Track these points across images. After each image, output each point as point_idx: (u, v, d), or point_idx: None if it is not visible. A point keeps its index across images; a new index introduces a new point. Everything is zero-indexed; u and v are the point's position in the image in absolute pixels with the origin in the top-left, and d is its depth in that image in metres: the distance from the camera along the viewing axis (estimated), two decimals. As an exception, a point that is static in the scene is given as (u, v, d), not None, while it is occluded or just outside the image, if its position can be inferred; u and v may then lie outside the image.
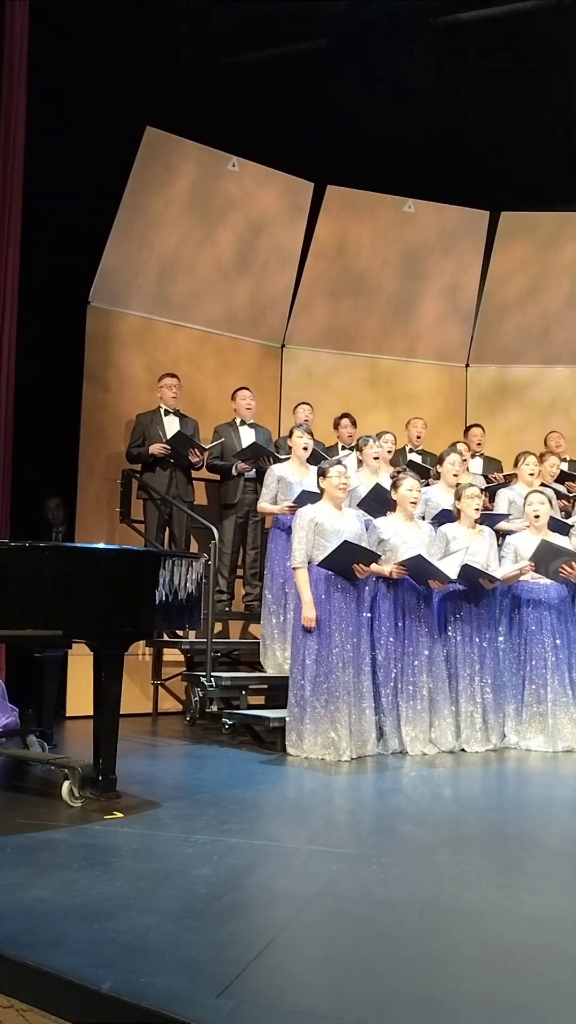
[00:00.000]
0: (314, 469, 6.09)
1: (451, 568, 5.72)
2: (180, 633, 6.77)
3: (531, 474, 7.13)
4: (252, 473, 7.29)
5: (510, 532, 6.65)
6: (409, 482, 5.94)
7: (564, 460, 7.99)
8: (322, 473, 5.69)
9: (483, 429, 8.46)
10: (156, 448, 7.12)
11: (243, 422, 7.54)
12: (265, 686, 6.65)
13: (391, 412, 8.77)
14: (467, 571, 5.85)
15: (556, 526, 6.48)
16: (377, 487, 6.33)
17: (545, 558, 6.10)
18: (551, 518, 6.45)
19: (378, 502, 6.23)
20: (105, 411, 7.57)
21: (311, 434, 6.74)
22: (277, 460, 6.95)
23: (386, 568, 5.68)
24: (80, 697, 6.39)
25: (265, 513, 6.91)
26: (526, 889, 2.99)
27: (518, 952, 2.45)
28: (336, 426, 7.96)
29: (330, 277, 8.78)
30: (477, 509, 6.17)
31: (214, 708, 6.21)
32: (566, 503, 7.58)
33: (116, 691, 4.17)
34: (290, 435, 6.77)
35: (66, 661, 6.03)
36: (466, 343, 9.27)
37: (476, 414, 9.10)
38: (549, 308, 9.15)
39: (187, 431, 7.26)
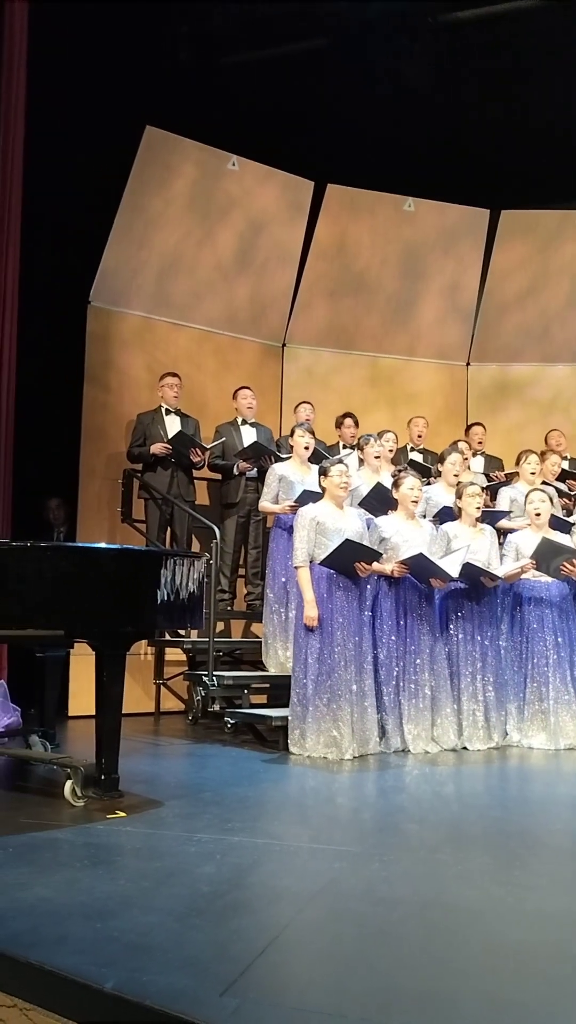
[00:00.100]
0: (315, 468, 6.09)
1: (452, 567, 5.72)
2: (182, 632, 6.77)
3: (532, 472, 7.13)
4: (253, 472, 7.29)
5: (511, 530, 6.65)
6: (410, 481, 5.95)
7: (565, 458, 7.99)
8: (323, 472, 5.70)
9: (484, 428, 8.46)
10: (157, 448, 7.12)
11: (244, 421, 7.54)
12: (267, 685, 6.66)
13: (392, 411, 8.77)
14: (468, 569, 5.86)
15: (557, 524, 6.49)
16: (378, 486, 6.33)
17: (546, 556, 6.10)
18: (552, 516, 6.45)
19: (379, 501, 6.23)
20: (106, 411, 7.57)
21: (312, 433, 6.75)
22: (278, 459, 6.95)
23: (387, 567, 5.68)
24: (82, 697, 6.39)
25: (266, 512, 6.92)
26: (528, 887, 2.99)
27: (520, 950, 2.45)
28: (339, 425, 7.95)
29: (330, 276, 8.78)
30: (478, 508, 6.17)
31: (216, 707, 6.21)
32: (567, 501, 7.58)
33: (118, 691, 4.17)
34: (291, 434, 6.77)
35: (68, 661, 6.03)
36: (466, 342, 9.27)
37: (477, 413, 9.09)
38: (549, 306, 9.15)
39: (188, 430, 7.26)
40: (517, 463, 7.40)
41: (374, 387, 9.06)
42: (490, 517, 6.65)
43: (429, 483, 6.96)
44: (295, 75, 8.34)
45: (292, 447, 6.70)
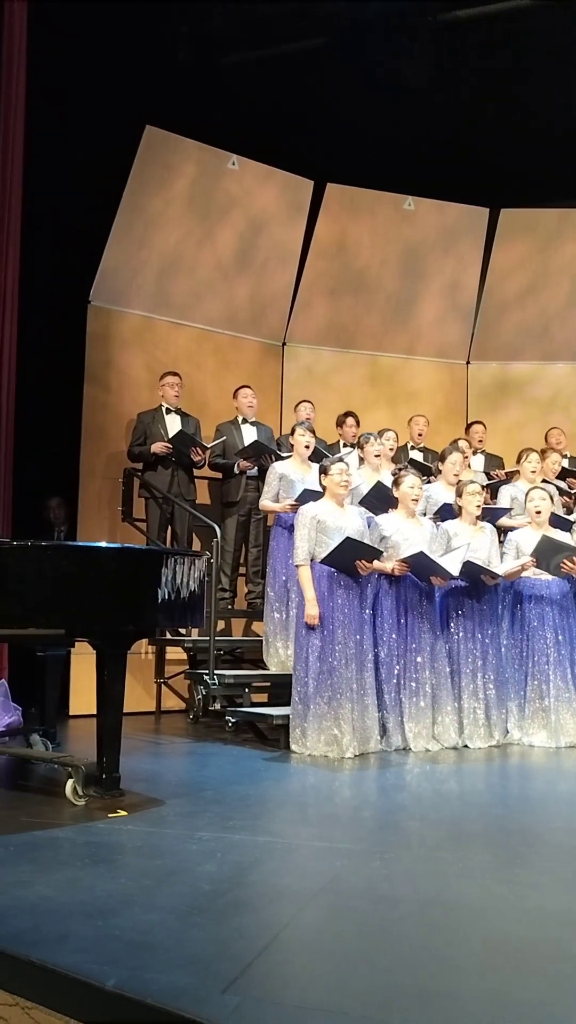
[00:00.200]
0: (316, 467, 6.10)
1: (453, 565, 5.73)
2: (183, 631, 6.77)
3: (533, 471, 7.13)
4: (254, 471, 7.29)
5: (511, 528, 6.66)
6: (410, 479, 5.95)
7: (565, 456, 7.99)
8: (324, 471, 5.70)
9: (484, 426, 8.46)
10: (158, 447, 7.12)
11: (245, 420, 7.55)
12: (268, 683, 6.66)
13: (392, 410, 8.77)
14: (469, 567, 5.86)
15: (557, 522, 6.49)
16: (378, 485, 6.34)
17: (546, 554, 6.10)
18: (552, 514, 6.45)
19: (379, 500, 6.23)
20: (106, 410, 7.57)
21: (313, 432, 6.75)
22: (279, 458, 6.96)
23: (388, 565, 5.69)
24: (83, 696, 6.39)
25: (267, 511, 6.92)
26: (529, 884, 3.00)
27: (521, 947, 2.45)
28: (340, 425, 7.94)
29: (330, 275, 8.78)
30: (478, 506, 6.18)
31: (217, 706, 6.22)
32: (567, 499, 7.59)
33: (119, 690, 4.18)
34: (292, 433, 6.78)
35: (68, 660, 6.03)
36: (466, 340, 9.27)
37: (477, 411, 9.09)
38: (549, 305, 9.15)
39: (188, 429, 7.26)
40: (518, 461, 7.40)
41: (374, 386, 9.06)
42: (491, 514, 6.66)
43: (429, 481, 6.96)
44: (295, 75, 8.34)
45: (292, 446, 6.71)
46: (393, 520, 5.93)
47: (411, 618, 5.79)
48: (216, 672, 6.16)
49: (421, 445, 8.28)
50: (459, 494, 6.24)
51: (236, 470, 7.31)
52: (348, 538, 5.39)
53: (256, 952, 2.33)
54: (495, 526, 6.55)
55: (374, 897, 2.82)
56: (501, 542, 6.41)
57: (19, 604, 3.88)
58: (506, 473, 7.88)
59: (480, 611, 6.07)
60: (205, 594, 4.78)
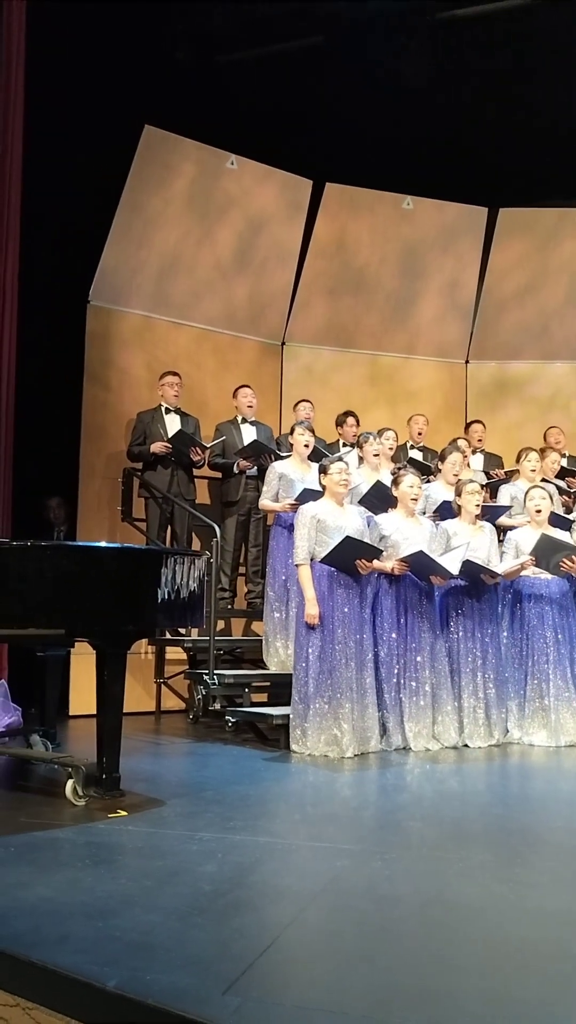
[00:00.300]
0: (315, 466, 6.10)
1: (452, 564, 5.73)
2: (182, 631, 6.77)
3: (532, 469, 7.13)
4: (253, 471, 7.29)
5: (511, 528, 6.66)
6: (409, 479, 5.95)
7: (564, 456, 7.99)
8: (323, 470, 5.70)
9: (484, 425, 8.46)
10: (157, 446, 7.12)
11: (244, 420, 7.54)
12: (268, 683, 6.66)
13: (391, 409, 8.77)
14: (468, 567, 5.86)
15: (557, 521, 6.49)
16: (378, 484, 6.34)
17: (546, 552, 6.10)
18: (552, 513, 6.45)
19: (379, 499, 6.23)
20: (106, 410, 7.57)
21: (312, 431, 6.75)
22: (278, 457, 6.96)
23: (388, 564, 5.69)
24: (83, 696, 6.39)
25: (267, 510, 6.92)
26: (529, 884, 3.00)
27: (521, 947, 2.45)
28: (340, 424, 7.94)
29: (329, 275, 8.78)
30: (478, 505, 6.18)
31: (217, 706, 6.22)
32: (567, 499, 7.58)
33: (119, 690, 4.17)
34: (291, 432, 6.78)
35: (68, 660, 6.03)
36: (465, 339, 9.27)
37: (476, 410, 9.09)
38: (548, 304, 9.15)
39: (188, 429, 7.26)
40: (517, 460, 7.40)
41: (373, 385, 9.06)
42: (491, 512, 6.66)
43: (429, 481, 6.96)
44: (293, 74, 8.34)
45: (292, 445, 6.71)
46: (392, 519, 5.93)
47: (411, 617, 5.79)
48: (216, 672, 6.16)
49: (421, 444, 8.28)
50: (458, 493, 6.24)
51: (236, 470, 7.31)
52: (348, 537, 5.39)
53: (257, 952, 2.33)
54: (494, 525, 6.55)
55: (375, 897, 2.82)
56: (501, 541, 6.42)
57: (20, 604, 3.88)
58: (505, 472, 7.88)
59: (480, 610, 6.07)
60: (205, 594, 4.78)
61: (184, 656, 7.19)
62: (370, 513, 6.08)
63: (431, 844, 3.49)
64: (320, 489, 5.79)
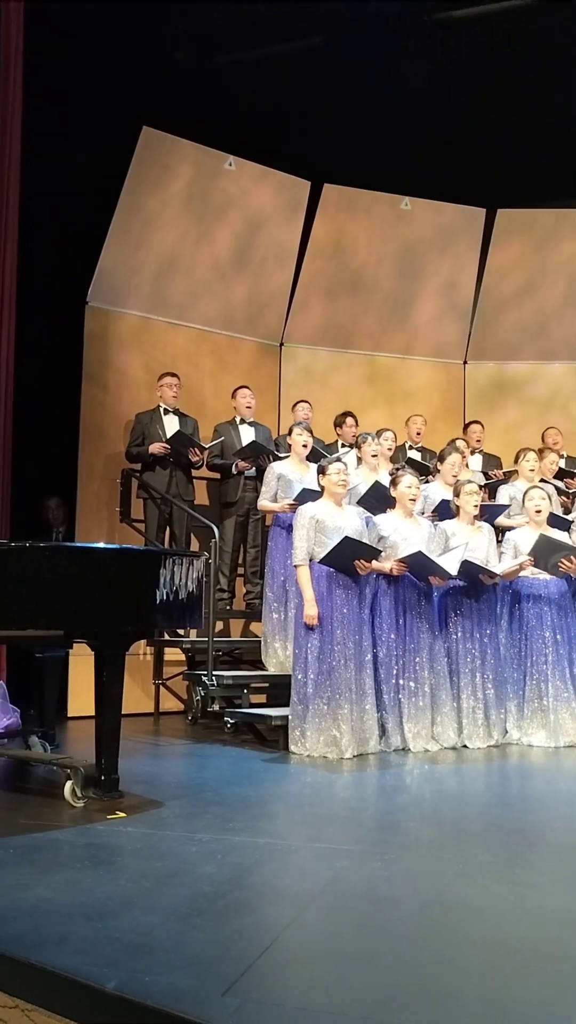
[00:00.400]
0: (314, 467, 6.10)
1: (451, 564, 5.73)
2: (181, 632, 6.77)
3: (531, 469, 7.13)
4: (252, 471, 7.29)
5: (510, 528, 6.66)
6: (408, 479, 5.95)
7: (562, 456, 7.99)
8: (322, 471, 5.70)
9: (482, 426, 8.46)
10: (156, 447, 7.12)
11: (243, 420, 7.54)
12: (267, 684, 6.66)
13: (389, 409, 8.77)
14: (467, 567, 5.86)
15: (555, 522, 6.49)
16: (376, 484, 6.34)
17: (544, 553, 6.10)
18: (551, 514, 6.45)
19: (378, 499, 6.23)
20: (104, 410, 7.57)
21: (310, 432, 6.75)
22: (277, 458, 6.96)
23: (386, 565, 5.69)
24: (81, 697, 6.39)
25: (265, 511, 6.92)
26: (529, 884, 3.00)
27: (521, 948, 2.45)
28: (339, 425, 7.94)
29: (327, 275, 8.78)
30: (476, 505, 6.18)
31: (216, 707, 6.21)
32: (565, 499, 7.58)
33: (118, 691, 4.17)
34: (289, 433, 6.78)
35: (67, 661, 6.03)
36: (464, 340, 9.27)
37: (474, 411, 9.10)
38: (546, 304, 9.15)
39: (187, 430, 7.26)
40: (515, 461, 7.40)
41: (372, 386, 9.06)
42: (489, 511, 6.66)
43: (428, 481, 6.96)
44: (291, 75, 8.34)
45: (290, 446, 6.71)
46: (391, 520, 5.93)
47: (410, 618, 5.79)
48: (215, 673, 6.16)
49: (419, 445, 8.28)
50: (456, 494, 6.24)
51: (234, 470, 7.31)
52: (347, 538, 5.39)
53: (256, 953, 2.33)
54: (493, 525, 6.55)
55: (374, 898, 2.81)
56: (499, 542, 6.41)
57: (18, 605, 3.88)
58: (504, 473, 7.89)
59: (479, 611, 6.07)
60: (203, 595, 4.78)
61: (183, 657, 7.19)
62: (369, 514, 6.08)
63: (430, 845, 3.49)
64: (319, 489, 5.78)
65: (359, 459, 6.71)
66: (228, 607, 7.35)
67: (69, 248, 7.57)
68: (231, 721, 5.94)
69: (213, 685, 6.10)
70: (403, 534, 5.84)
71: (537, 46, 8.11)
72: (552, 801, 4.52)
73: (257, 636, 6.98)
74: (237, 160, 8.07)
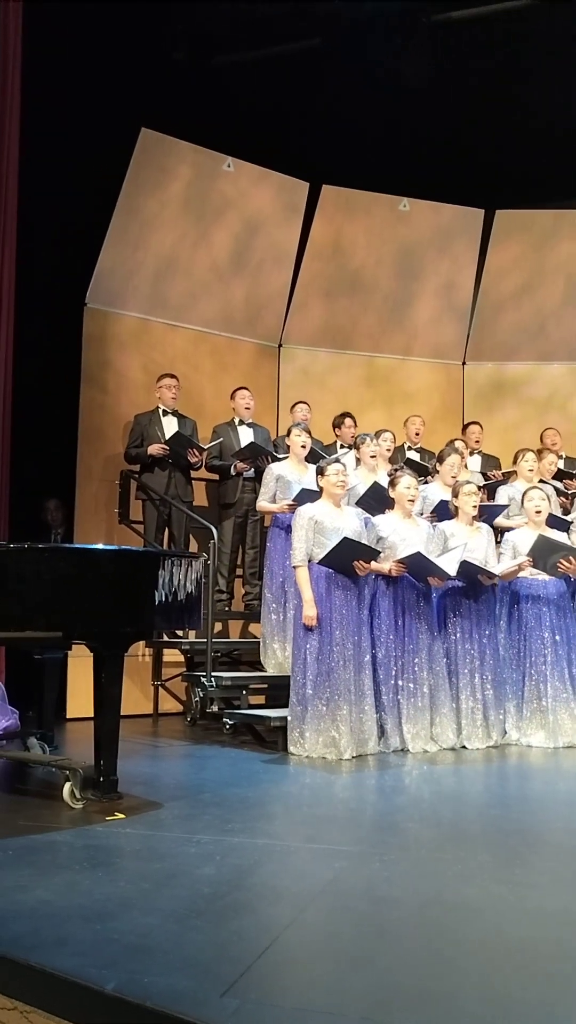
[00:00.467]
0: (312, 468, 6.09)
1: (450, 565, 5.73)
2: (180, 633, 6.77)
3: (531, 470, 7.13)
4: (251, 472, 7.29)
5: (508, 529, 6.66)
6: (406, 480, 5.95)
7: (561, 457, 7.99)
8: (320, 472, 5.70)
9: (481, 426, 8.47)
10: (155, 448, 7.12)
11: (241, 422, 7.54)
12: (265, 685, 6.65)
13: (388, 410, 8.77)
14: (466, 568, 5.86)
15: (554, 522, 6.49)
16: (375, 485, 6.34)
17: (543, 553, 6.10)
18: (549, 514, 6.45)
19: (376, 500, 6.23)
20: (103, 412, 7.57)
21: (309, 433, 6.75)
22: (275, 459, 6.96)
23: (385, 566, 5.68)
24: (80, 699, 6.39)
25: (264, 512, 6.92)
26: (529, 884, 3.00)
27: (521, 947, 2.45)
28: (338, 426, 7.94)
29: (326, 276, 8.78)
30: (475, 506, 6.18)
31: (215, 708, 6.21)
32: (564, 500, 7.59)
33: (116, 692, 4.17)
34: (288, 434, 6.78)
35: (66, 663, 6.03)
36: (462, 341, 9.28)
37: (473, 411, 9.10)
38: (545, 305, 9.15)
39: (185, 431, 7.26)
40: (514, 462, 7.40)
41: (370, 386, 9.07)
42: (488, 512, 6.66)
43: (427, 482, 6.97)
44: (289, 76, 8.34)
45: (289, 447, 6.71)
46: (390, 521, 5.93)
47: (408, 619, 5.79)
48: (213, 674, 6.15)
49: (418, 445, 8.28)
50: (455, 494, 6.24)
51: (233, 472, 7.31)
52: (346, 538, 5.38)
53: (255, 954, 2.32)
54: (492, 526, 6.55)
55: (373, 898, 2.81)
56: (498, 542, 6.41)
57: (17, 606, 3.88)
58: (503, 474, 7.89)
59: (477, 611, 6.07)
60: (202, 596, 4.78)
61: (182, 658, 7.19)
62: (367, 514, 6.08)
63: (429, 845, 3.49)
64: (318, 490, 5.78)
65: (358, 460, 6.71)
66: (227, 608, 7.35)
67: (68, 250, 7.57)
68: (230, 722, 5.94)
69: (212, 686, 6.10)
70: (402, 535, 5.84)
71: (535, 47, 8.11)
72: (551, 801, 4.52)
73: (256, 637, 6.98)
74: (235, 161, 8.07)
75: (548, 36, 7.99)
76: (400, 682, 5.70)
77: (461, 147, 8.74)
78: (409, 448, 8.22)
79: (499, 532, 6.69)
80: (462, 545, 5.90)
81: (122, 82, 7.42)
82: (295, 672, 5.50)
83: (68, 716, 6.68)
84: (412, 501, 5.97)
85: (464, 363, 9.35)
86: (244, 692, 6.29)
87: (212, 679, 6.11)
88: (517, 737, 6.05)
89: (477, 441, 8.34)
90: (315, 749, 5.32)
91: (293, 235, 8.56)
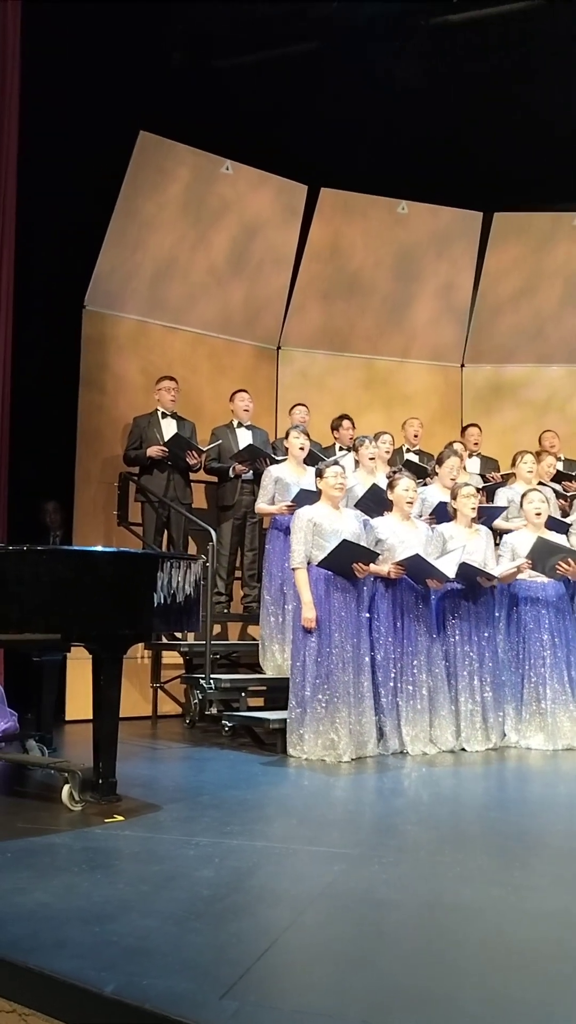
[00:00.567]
0: (311, 470, 6.10)
1: (449, 567, 5.73)
2: (179, 635, 6.76)
3: (530, 471, 7.14)
4: (249, 475, 7.29)
5: (507, 531, 6.66)
6: (405, 482, 5.95)
7: (559, 460, 8.00)
8: (319, 474, 5.70)
9: (480, 429, 8.47)
10: (154, 450, 7.12)
11: (240, 424, 7.55)
12: (264, 687, 6.65)
13: (387, 412, 8.78)
14: (465, 570, 5.86)
15: (553, 524, 6.49)
16: (374, 487, 6.34)
17: (542, 555, 6.10)
18: (549, 517, 6.45)
19: (375, 502, 6.23)
20: (102, 414, 7.57)
21: (307, 435, 6.75)
22: (274, 461, 6.96)
23: (384, 568, 5.68)
24: (79, 701, 6.38)
25: (263, 514, 6.92)
26: (528, 887, 2.99)
27: (520, 949, 2.45)
28: (336, 428, 7.95)
29: (324, 279, 8.79)
30: (473, 508, 6.18)
31: (214, 710, 6.21)
32: (562, 502, 7.59)
33: (115, 694, 4.16)
34: (286, 436, 6.79)
35: (65, 665, 6.02)
36: (461, 343, 9.29)
37: (472, 414, 9.11)
38: (543, 307, 9.17)
39: (184, 433, 7.26)
40: (513, 464, 7.40)
41: (369, 389, 9.07)
42: (487, 514, 6.66)
43: (425, 484, 6.97)
44: (288, 79, 8.34)
45: (287, 449, 6.72)
46: (388, 523, 5.93)
47: (407, 621, 5.78)
48: (212, 676, 6.15)
49: (416, 448, 8.29)
50: (454, 497, 6.24)
51: (232, 474, 7.31)
52: (345, 541, 5.38)
53: (254, 957, 2.32)
54: (491, 528, 6.55)
55: (372, 901, 2.81)
56: (497, 545, 6.41)
57: (16, 608, 3.88)
58: (502, 476, 7.89)
59: (476, 613, 6.07)
60: (201, 598, 4.77)
61: (180, 661, 7.19)
62: (366, 516, 6.08)
63: (429, 848, 3.49)
64: (316, 492, 5.78)
65: (356, 462, 6.71)
66: (226, 610, 7.35)
67: (66, 252, 7.56)
68: (229, 724, 5.94)
69: (211, 688, 6.09)
70: (400, 537, 5.84)
71: (534, 50, 8.12)
72: (550, 804, 4.52)
73: (255, 639, 6.97)
74: (234, 164, 8.08)
75: (546, 39, 8.00)
76: (399, 684, 5.70)
77: (459, 150, 8.74)
78: (408, 450, 8.22)
79: (498, 534, 6.69)
80: (461, 547, 5.90)
81: (121, 84, 7.42)
82: (294, 674, 5.50)
83: (67, 718, 6.68)
84: (411, 503, 5.97)
85: (463, 365, 9.36)
86: (243, 694, 6.28)
87: (211, 681, 6.10)
88: (516, 739, 6.04)
89: (476, 443, 8.34)
90: (314, 751, 5.31)
91: (291, 238, 8.57)
